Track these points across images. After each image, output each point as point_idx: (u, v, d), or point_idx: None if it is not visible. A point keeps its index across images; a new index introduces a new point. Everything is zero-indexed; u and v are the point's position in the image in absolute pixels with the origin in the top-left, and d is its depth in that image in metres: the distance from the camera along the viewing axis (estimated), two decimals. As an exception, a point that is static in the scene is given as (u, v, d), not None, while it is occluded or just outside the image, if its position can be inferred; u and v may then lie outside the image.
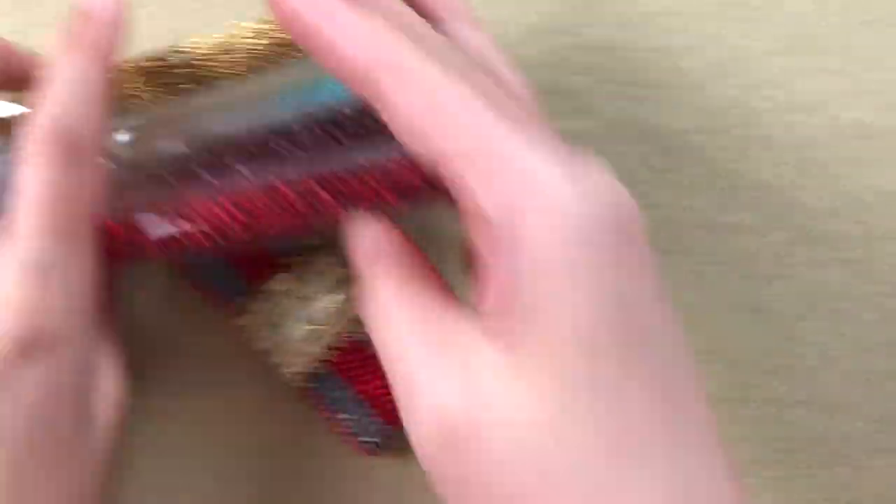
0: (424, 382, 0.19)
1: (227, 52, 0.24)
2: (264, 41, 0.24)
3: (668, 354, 0.18)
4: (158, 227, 0.23)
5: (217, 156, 0.23)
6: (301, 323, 0.30)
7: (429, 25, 0.20)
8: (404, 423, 0.20)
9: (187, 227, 0.23)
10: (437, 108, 0.18)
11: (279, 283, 0.30)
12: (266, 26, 0.24)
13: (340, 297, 0.30)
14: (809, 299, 0.33)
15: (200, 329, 0.32)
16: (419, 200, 0.22)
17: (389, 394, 0.29)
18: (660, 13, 0.32)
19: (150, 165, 0.24)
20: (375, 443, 0.30)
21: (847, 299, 0.33)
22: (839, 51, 0.32)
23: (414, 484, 0.31)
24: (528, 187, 0.17)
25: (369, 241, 0.21)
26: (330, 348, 0.30)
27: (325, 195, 0.22)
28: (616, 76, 0.32)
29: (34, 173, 0.21)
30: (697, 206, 0.32)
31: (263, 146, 0.22)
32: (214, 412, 0.31)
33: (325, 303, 0.30)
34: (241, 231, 0.23)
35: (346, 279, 0.30)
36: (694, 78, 0.32)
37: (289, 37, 0.20)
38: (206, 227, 0.23)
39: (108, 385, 0.23)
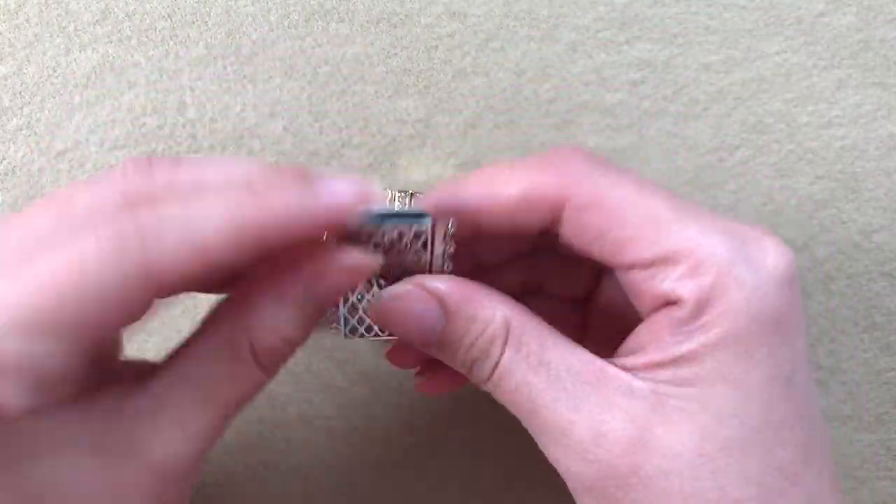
0: (581, 425, 0.21)
1: None
2: None
3: (814, 424, 0.21)
4: None
5: None
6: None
7: None
8: (557, 466, 0.22)
9: None
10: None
11: None
12: None
13: None
14: (853, 313, 0.32)
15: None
16: None
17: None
18: (700, 29, 0.32)
19: None
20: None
21: (892, 313, 0.32)
22: (882, 64, 0.32)
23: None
24: (721, 280, 0.21)
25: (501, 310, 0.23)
26: None
27: None
28: (658, 93, 0.32)
29: None
30: (741, 221, 0.32)
31: None
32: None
33: None
34: None
35: None
36: (736, 93, 0.32)
37: None
38: None
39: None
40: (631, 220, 0.22)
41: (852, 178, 0.32)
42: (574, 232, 0.23)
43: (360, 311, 0.25)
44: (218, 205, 0.19)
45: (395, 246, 0.24)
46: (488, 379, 0.23)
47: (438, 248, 0.24)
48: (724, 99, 0.32)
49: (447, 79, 0.32)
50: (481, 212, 0.23)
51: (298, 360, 0.32)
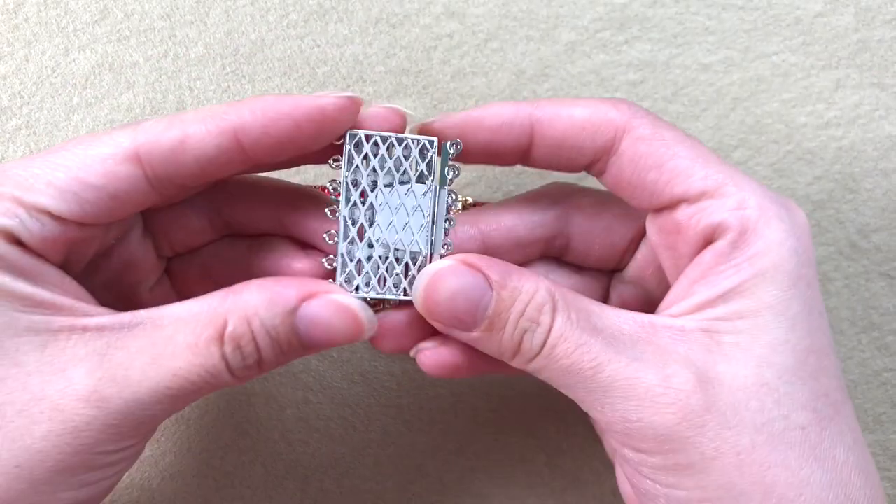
0: (648, 373, 0.21)
1: None
2: None
3: (838, 361, 0.23)
4: None
5: None
6: None
7: None
8: (625, 425, 0.22)
9: None
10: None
11: None
12: None
13: None
14: (851, 313, 0.32)
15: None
16: None
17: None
18: (699, 30, 0.32)
19: None
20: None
21: (889, 313, 0.33)
22: (879, 64, 0.32)
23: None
24: (764, 214, 0.22)
25: (544, 287, 0.23)
26: None
27: None
28: (657, 93, 0.32)
29: None
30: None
31: None
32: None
33: None
34: None
35: None
36: (735, 93, 0.32)
37: None
38: None
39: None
40: (685, 155, 0.23)
41: (850, 179, 0.32)
42: (630, 160, 0.23)
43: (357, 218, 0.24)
44: (201, 109, 0.22)
45: (399, 161, 0.24)
46: (541, 349, 0.22)
47: (443, 172, 0.24)
48: (722, 99, 0.32)
49: (446, 79, 0.32)
50: (552, 125, 0.24)
51: (297, 360, 0.32)
